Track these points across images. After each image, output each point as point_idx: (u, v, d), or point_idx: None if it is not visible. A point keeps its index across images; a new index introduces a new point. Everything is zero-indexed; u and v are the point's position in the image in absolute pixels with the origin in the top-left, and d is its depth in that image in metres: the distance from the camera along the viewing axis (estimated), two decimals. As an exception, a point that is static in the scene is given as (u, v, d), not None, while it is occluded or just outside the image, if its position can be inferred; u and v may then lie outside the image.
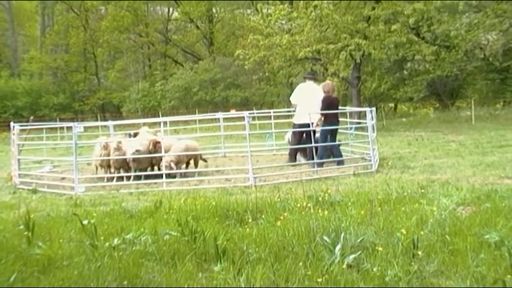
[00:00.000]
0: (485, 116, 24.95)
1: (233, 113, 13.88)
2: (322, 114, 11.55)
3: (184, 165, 11.44)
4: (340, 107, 12.88)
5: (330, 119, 11.52)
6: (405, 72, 32.48)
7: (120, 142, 10.99)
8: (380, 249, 4.54)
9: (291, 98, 12.69)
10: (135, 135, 12.23)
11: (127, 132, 13.53)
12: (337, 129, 11.90)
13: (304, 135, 12.10)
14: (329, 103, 11.67)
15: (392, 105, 36.73)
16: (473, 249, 4.54)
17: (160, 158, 10.79)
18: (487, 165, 10.38)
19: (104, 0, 41.76)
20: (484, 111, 26.46)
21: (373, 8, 23.58)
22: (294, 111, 12.65)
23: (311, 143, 11.31)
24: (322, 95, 11.77)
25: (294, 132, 12.48)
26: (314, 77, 13.09)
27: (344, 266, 4.20)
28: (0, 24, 46.56)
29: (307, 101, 11.90)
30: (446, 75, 28.10)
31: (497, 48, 25.28)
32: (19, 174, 11.54)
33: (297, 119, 12.18)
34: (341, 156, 11.67)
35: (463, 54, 26.67)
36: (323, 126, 11.58)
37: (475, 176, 9.18)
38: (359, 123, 14.92)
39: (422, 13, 22.83)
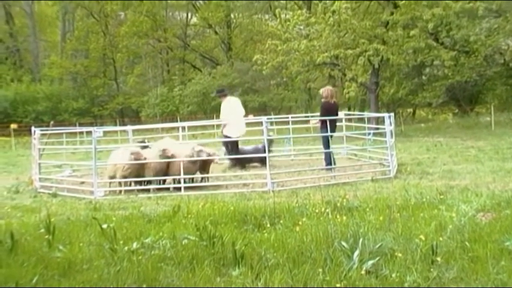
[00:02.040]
0: (505, 122, 24.61)
1: (251, 118, 13.91)
2: (320, 120, 11.77)
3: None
4: (358, 112, 12.91)
5: (328, 125, 11.42)
6: (424, 77, 32.15)
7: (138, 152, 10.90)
8: (399, 255, 4.52)
9: (224, 117, 13.34)
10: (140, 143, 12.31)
11: (138, 138, 13.72)
12: (331, 135, 11.78)
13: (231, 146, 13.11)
14: (327, 108, 11.71)
15: (410, 110, 36.47)
16: (493, 256, 4.50)
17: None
18: (507, 172, 10.27)
19: (124, 2, 41.96)
20: (504, 116, 26.10)
21: (392, 13, 23.45)
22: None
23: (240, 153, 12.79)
24: (240, 107, 13.35)
25: (228, 145, 13.23)
26: (226, 92, 14.29)
27: (362, 272, 4.19)
28: (22, 30, 47.09)
29: (233, 116, 13.04)
30: (465, 80, 27.76)
31: (517, 53, 25.00)
32: (40, 178, 11.67)
33: (230, 133, 13.00)
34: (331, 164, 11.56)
35: (483, 59, 26.32)
36: (321, 132, 11.62)
37: (495, 182, 9.08)
38: (377, 128, 14.86)
39: (441, 18, 22.65)
